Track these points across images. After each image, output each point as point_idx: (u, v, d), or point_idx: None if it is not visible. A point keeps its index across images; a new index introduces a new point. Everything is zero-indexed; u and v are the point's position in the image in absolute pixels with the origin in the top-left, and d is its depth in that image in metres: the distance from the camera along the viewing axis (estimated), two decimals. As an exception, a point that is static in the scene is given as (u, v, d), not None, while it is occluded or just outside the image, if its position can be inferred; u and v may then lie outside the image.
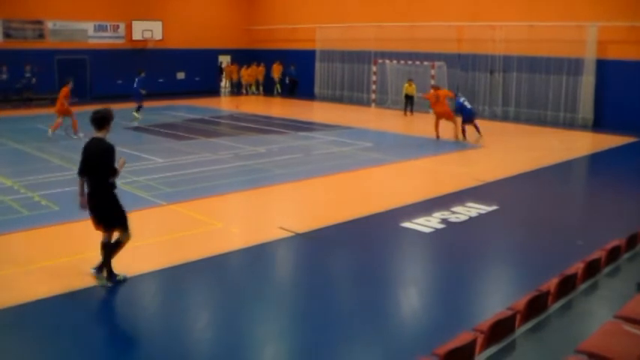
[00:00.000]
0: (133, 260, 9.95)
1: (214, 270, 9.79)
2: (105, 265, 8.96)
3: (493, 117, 29.10)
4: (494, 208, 13.10)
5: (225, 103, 36.21)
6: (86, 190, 8.95)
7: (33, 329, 7.59)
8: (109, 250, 8.99)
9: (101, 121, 8.96)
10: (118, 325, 7.87)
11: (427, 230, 11.51)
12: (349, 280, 9.66)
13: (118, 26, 37.69)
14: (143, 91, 26.39)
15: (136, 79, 26.67)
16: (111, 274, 8.88)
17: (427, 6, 31.46)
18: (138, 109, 26.65)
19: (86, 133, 21.44)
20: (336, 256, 10.63)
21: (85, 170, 8.90)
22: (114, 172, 8.83)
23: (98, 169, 8.78)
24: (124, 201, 13.34)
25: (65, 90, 22.10)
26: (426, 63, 31.26)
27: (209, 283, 9.42)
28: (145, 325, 7.91)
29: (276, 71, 40.25)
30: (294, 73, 39.23)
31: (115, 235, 9.09)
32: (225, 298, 8.73)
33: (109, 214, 9.00)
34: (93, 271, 9.07)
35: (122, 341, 7.40)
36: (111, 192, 8.96)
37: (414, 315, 8.25)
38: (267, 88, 40.60)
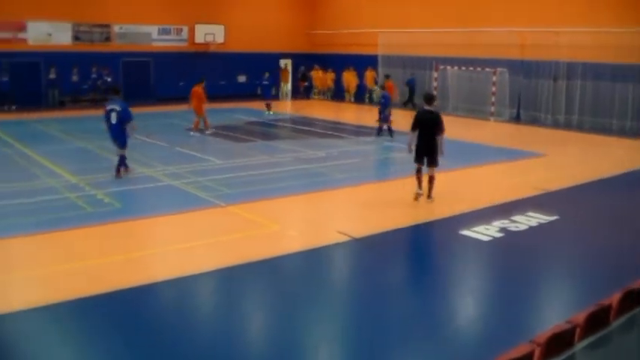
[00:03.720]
0: (189, 259, 10.12)
1: (270, 272, 9.85)
2: (431, 190, 13.85)
3: (556, 125, 28.58)
4: (554, 218, 12.86)
5: (285, 107, 36.43)
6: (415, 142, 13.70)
7: (93, 323, 7.77)
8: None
9: (431, 98, 14.06)
10: (169, 324, 7.93)
11: (486, 239, 11.37)
12: (405, 286, 9.60)
13: (181, 30, 38.29)
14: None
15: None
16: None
17: (490, 11, 31.07)
18: None
19: (149, 135, 21.88)
20: (393, 262, 10.58)
21: (419, 128, 13.63)
22: (442, 131, 13.69)
23: (433, 129, 13.56)
24: (184, 200, 13.67)
25: (199, 89, 22.84)
26: (487, 69, 30.88)
27: (265, 285, 9.47)
28: (197, 324, 7.99)
29: (349, 79, 39.15)
30: (413, 82, 35.44)
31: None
32: (280, 301, 8.77)
33: (435, 157, 13.70)
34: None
35: (172, 340, 7.45)
36: (437, 142, 13.65)
37: (471, 325, 8.15)
38: (337, 93, 40.38)
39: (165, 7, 37.29)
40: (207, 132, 23.58)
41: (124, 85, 33.06)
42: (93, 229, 11.70)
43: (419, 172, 14.00)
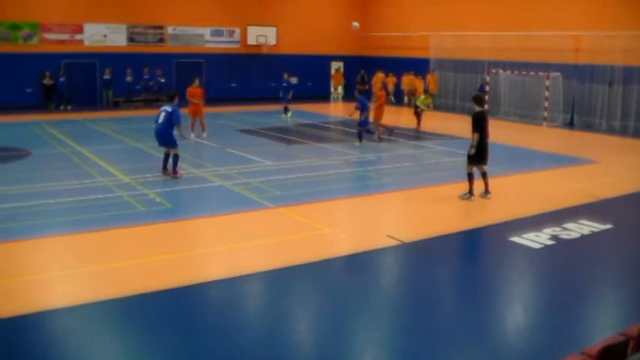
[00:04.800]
0: (240, 260, 10.22)
1: (319, 275, 9.87)
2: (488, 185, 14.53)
3: (611, 131, 28.01)
4: (608, 226, 12.61)
5: (337, 110, 36.48)
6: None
7: (143, 320, 7.90)
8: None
9: (480, 99, 14.52)
10: (217, 323, 8.00)
11: (536, 246, 11.21)
12: (454, 293, 9.52)
13: (233, 31, 38.66)
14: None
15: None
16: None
17: (543, 14, 30.60)
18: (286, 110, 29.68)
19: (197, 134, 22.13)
20: (442, 268, 10.51)
21: (479, 129, 13.95)
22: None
23: (487, 130, 14.16)
24: (234, 201, 13.78)
25: (199, 90, 22.97)
26: (540, 73, 30.44)
27: (313, 287, 9.50)
28: (245, 325, 8.05)
29: (409, 82, 37.92)
30: (482, 87, 34.10)
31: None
32: (328, 304, 8.78)
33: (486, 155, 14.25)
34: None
35: (220, 339, 7.51)
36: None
37: (519, 334, 8.03)
38: (397, 97, 39.86)
39: (218, 9, 37.72)
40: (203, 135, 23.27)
41: (177, 85, 33.50)
42: (144, 227, 11.91)
43: (472, 175, 14.08)
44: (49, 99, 33.35)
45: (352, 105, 22.97)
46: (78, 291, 8.96)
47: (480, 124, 13.95)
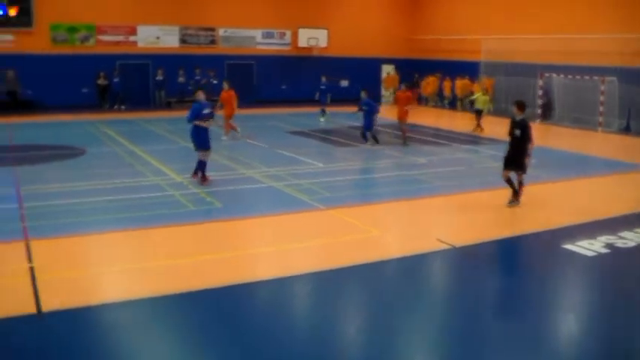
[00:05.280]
0: (289, 261, 10.25)
1: (368, 277, 9.83)
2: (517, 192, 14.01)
3: (669, 137, 27.38)
4: (666, 235, 12.30)
5: (386, 113, 36.31)
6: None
7: (192, 317, 7.98)
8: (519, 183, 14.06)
9: (525, 106, 14.11)
10: (264, 323, 8.01)
11: (590, 254, 10.97)
12: (504, 299, 9.39)
13: (284, 33, 38.84)
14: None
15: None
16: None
17: (596, 17, 29.97)
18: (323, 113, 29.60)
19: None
20: (493, 274, 10.39)
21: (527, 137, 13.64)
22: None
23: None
24: (284, 202, 13.82)
25: (229, 94, 23.02)
26: (595, 77, 29.84)
27: (362, 290, 9.47)
28: (292, 325, 8.06)
29: (463, 86, 37.12)
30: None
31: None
32: (376, 307, 8.74)
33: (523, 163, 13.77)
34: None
35: (266, 339, 7.53)
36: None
37: (570, 345, 7.86)
38: (451, 102, 39.38)
39: (269, 12, 37.95)
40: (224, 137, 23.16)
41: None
42: (195, 226, 12.04)
43: (511, 180, 13.94)
44: (103, 99, 33.98)
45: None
46: (131, 286, 9.13)
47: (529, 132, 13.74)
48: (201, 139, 15.53)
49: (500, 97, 35.96)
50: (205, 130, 15.58)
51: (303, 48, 38.81)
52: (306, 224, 12.49)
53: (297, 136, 24.44)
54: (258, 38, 38.30)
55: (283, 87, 38.05)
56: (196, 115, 15.35)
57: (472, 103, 28.12)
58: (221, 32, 37.23)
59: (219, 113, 22.34)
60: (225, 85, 23.35)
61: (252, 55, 37.88)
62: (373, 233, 11.97)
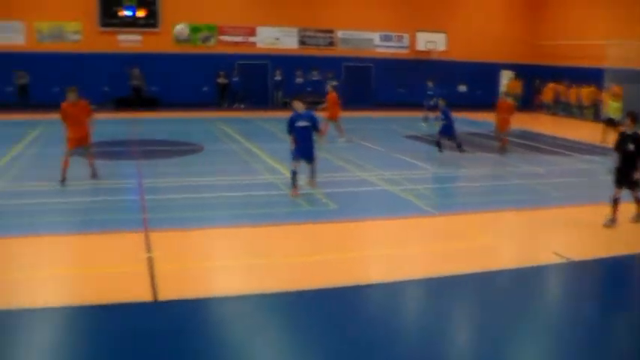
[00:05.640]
0: (400, 265, 10.06)
1: (479, 287, 9.48)
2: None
3: None
4: None
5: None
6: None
7: (298, 316, 7.94)
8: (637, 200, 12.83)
9: (636, 117, 12.79)
10: (370, 327, 7.84)
11: None
12: (625, 322, 8.81)
13: (402, 37, 38.62)
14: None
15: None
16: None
17: None
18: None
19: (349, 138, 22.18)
20: (613, 292, 9.80)
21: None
22: None
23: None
24: (397, 206, 13.65)
25: (334, 95, 22.98)
26: None
27: (472, 299, 9.12)
28: (401, 331, 7.88)
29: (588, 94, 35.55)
30: None
31: None
32: (487, 317, 8.37)
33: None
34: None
35: (373, 343, 7.35)
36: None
37: None
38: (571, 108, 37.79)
39: (388, 14, 37.80)
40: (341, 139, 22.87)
41: (346, 89, 34.00)
42: (308, 226, 12.06)
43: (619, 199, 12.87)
44: (222, 97, 34.84)
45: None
46: (242, 282, 9.25)
47: None
48: (297, 149, 14.61)
49: (626, 107, 34.28)
50: (303, 140, 14.42)
51: (421, 51, 38.45)
52: (419, 229, 12.25)
53: (412, 141, 24.17)
54: (376, 41, 38.26)
55: (401, 90, 37.77)
56: (290, 127, 14.46)
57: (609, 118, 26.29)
58: (339, 34, 37.42)
59: (325, 115, 22.42)
60: (330, 88, 23.43)
61: (370, 57, 37.87)
62: (486, 242, 11.57)
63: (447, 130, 20.96)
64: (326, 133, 22.54)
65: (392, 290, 9.11)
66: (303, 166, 14.45)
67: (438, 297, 9.06)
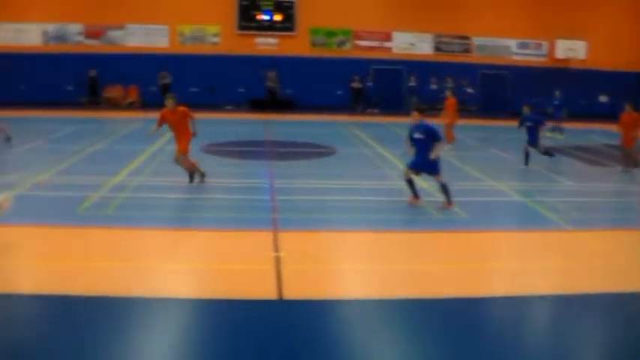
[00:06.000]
0: (525, 279, 9.63)
1: (609, 307, 8.89)
2: None
3: None
4: None
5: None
6: None
7: (414, 323, 7.80)
8: None
9: None
10: (488, 340, 7.57)
11: None
12: None
13: (540, 44, 37.46)
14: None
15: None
16: None
17: None
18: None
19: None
20: None
21: None
22: None
23: None
24: (528, 219, 13.16)
25: (453, 101, 22.57)
26: None
27: (597, 319, 8.53)
28: (521, 347, 7.54)
29: None
30: None
31: None
32: (611, 339, 7.91)
33: None
34: None
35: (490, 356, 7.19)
36: None
37: None
38: None
39: (526, 21, 36.65)
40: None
41: (481, 97, 33.43)
42: (435, 234, 11.87)
43: None
44: (356, 102, 35.03)
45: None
46: (366, 286, 9.25)
47: None
48: (412, 159, 13.90)
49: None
50: (418, 152, 13.63)
51: (560, 60, 37.11)
52: (549, 243, 11.69)
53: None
54: (513, 48, 37.30)
55: (536, 100, 36.57)
56: (410, 138, 13.95)
57: None
58: (475, 41, 36.75)
59: (444, 121, 22.09)
60: (448, 94, 23.06)
61: (506, 65, 36.91)
62: (620, 260, 10.89)
63: (534, 140, 19.14)
64: (453, 140, 22.19)
65: (515, 304, 8.73)
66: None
67: (561, 315, 8.56)
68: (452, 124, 22.45)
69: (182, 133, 14.85)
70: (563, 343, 7.71)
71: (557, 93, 28.76)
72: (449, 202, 13.41)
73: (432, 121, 14.38)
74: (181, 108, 15.05)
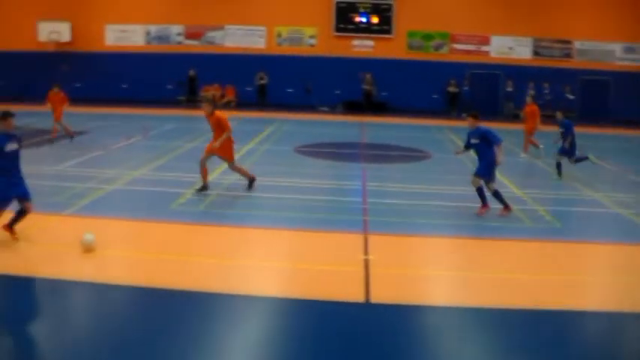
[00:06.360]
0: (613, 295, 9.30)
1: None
2: None
3: None
4: None
5: None
6: None
7: (496, 333, 7.66)
8: None
9: None
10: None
11: None
12: None
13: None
14: None
15: None
16: None
17: None
18: None
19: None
20: None
21: None
22: None
23: None
24: (626, 231, 12.63)
25: (534, 108, 21.95)
26: None
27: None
28: None
29: None
30: None
31: None
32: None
33: None
34: None
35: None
36: None
37: None
38: None
39: (632, 23, 35.05)
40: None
41: (581, 103, 32.49)
42: (528, 243, 11.59)
43: None
44: (452, 106, 34.62)
45: None
46: (455, 293, 9.22)
47: None
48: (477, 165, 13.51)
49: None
50: (478, 157, 13.46)
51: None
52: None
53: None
54: (617, 53, 35.98)
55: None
56: (467, 144, 13.77)
57: None
58: (577, 45, 35.67)
59: (524, 128, 21.86)
60: (529, 100, 22.45)
61: (609, 70, 35.54)
62: None
63: (570, 150, 17.79)
64: (530, 147, 21.50)
65: (608, 320, 8.45)
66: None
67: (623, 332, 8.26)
68: (531, 132, 21.85)
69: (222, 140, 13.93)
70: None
71: None
72: (505, 207, 13.14)
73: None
74: (218, 114, 14.07)
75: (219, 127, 13.89)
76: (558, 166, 17.80)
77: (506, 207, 13.15)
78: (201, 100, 14.30)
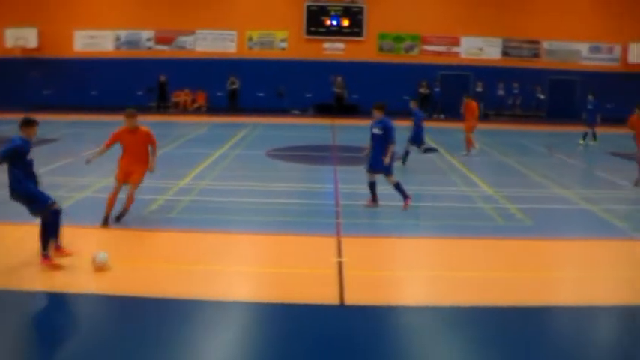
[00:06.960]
0: (588, 289, 9.41)
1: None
2: None
3: None
4: None
5: None
6: None
7: (471, 331, 7.74)
8: None
9: None
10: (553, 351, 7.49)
11: None
12: None
13: (612, 48, 36.53)
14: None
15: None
16: None
17: None
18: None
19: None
20: None
21: None
22: None
23: None
24: (595, 227, 12.81)
25: (473, 105, 22.15)
26: None
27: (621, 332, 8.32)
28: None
29: None
30: None
31: None
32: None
33: None
34: None
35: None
36: None
37: None
38: None
39: (597, 24, 35.62)
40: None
41: (549, 103, 32.83)
42: (502, 242, 11.73)
43: None
44: (423, 107, 34.76)
45: None
46: (427, 292, 9.29)
47: None
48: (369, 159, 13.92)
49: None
50: (373, 148, 13.86)
51: (633, 65, 36.08)
52: (615, 253, 11.41)
53: (617, 158, 22.76)
54: (584, 53, 36.47)
55: (608, 106, 35.69)
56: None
57: None
58: (545, 45, 36.12)
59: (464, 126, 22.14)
60: (465, 98, 22.67)
61: (576, 70, 36.03)
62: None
63: (417, 138, 18.97)
64: (471, 146, 21.68)
65: (578, 314, 8.58)
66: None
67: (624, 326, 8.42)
68: (470, 130, 22.01)
69: (141, 160, 12.09)
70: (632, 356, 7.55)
71: (590, 97, 27.26)
72: (405, 199, 13.54)
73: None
74: (144, 129, 12.29)
75: (145, 145, 12.16)
76: (406, 154, 18.83)
77: (407, 198, 13.50)
78: (127, 112, 12.28)
